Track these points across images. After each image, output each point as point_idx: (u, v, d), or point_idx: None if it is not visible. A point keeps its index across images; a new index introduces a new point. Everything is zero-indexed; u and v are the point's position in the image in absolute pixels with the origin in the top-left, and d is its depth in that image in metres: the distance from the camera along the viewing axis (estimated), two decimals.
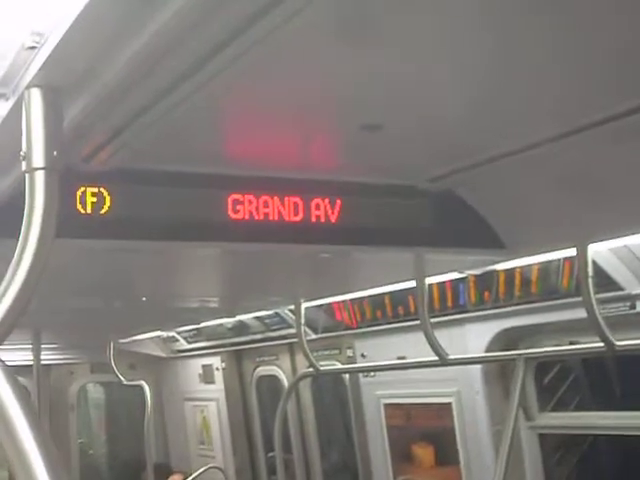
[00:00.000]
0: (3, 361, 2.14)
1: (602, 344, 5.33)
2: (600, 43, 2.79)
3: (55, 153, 2.73)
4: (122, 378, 12.46)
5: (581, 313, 5.30)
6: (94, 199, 3.94)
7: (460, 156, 4.22)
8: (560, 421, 7.31)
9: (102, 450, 14.87)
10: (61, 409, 13.68)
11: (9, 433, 1.90)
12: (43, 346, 10.90)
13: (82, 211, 3.91)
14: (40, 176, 2.69)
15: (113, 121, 3.13)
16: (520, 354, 6.39)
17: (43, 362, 11.16)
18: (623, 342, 5.34)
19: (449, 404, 7.92)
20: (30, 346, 10.64)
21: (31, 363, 10.85)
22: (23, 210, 2.68)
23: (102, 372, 13.39)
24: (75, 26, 2.28)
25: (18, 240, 2.63)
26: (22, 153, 2.74)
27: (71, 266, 5.11)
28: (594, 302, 5.13)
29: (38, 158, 2.71)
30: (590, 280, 5.06)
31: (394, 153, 4.09)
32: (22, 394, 2.01)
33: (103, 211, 3.96)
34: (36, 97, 2.73)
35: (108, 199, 3.97)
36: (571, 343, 6.49)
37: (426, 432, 8.64)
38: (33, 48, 2.52)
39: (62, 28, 2.33)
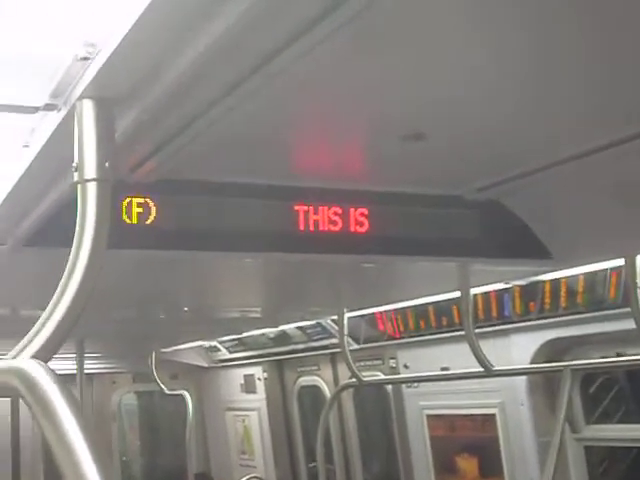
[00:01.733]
0: (55, 372, 2.14)
1: None
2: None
3: (107, 164, 2.74)
4: (164, 388, 12.50)
5: (628, 324, 5.24)
6: (140, 209, 3.94)
7: (506, 166, 4.18)
8: (607, 433, 7.23)
9: (141, 459, 14.88)
10: (104, 418, 13.75)
11: (63, 444, 1.90)
12: (86, 355, 10.97)
13: (128, 221, 3.92)
14: (92, 187, 2.70)
15: (161, 132, 3.12)
16: (567, 365, 6.33)
17: (86, 371, 11.23)
18: None
19: (493, 415, 7.86)
20: (74, 355, 10.71)
21: (74, 372, 10.93)
22: (73, 220, 2.68)
23: (144, 382, 13.43)
24: (128, 38, 2.28)
25: (68, 249, 2.64)
26: (74, 164, 2.74)
27: (116, 276, 5.13)
28: None
29: (90, 169, 2.71)
30: (638, 291, 5.01)
31: (439, 163, 4.06)
32: (76, 405, 2.01)
33: (149, 221, 3.96)
34: (88, 108, 2.73)
35: (154, 209, 3.97)
36: (618, 354, 6.42)
37: (470, 443, 8.57)
38: (86, 59, 2.52)
39: (115, 40, 2.33)
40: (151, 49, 2.39)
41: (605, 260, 5.52)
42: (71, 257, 2.61)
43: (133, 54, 2.41)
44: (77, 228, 2.65)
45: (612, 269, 5.89)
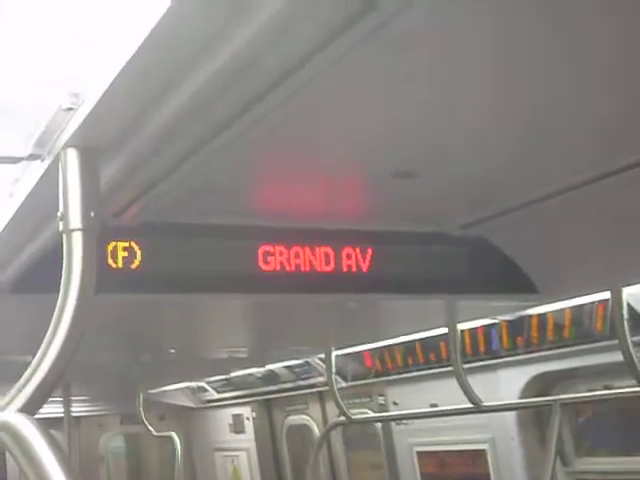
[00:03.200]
0: (43, 426, 2.12)
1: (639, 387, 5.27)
2: (632, 86, 2.78)
3: (92, 214, 2.74)
4: (152, 429, 12.43)
5: (615, 357, 5.24)
6: (125, 254, 3.93)
7: (492, 202, 4.19)
8: (598, 466, 7.21)
9: None
10: (91, 461, 13.65)
11: None
12: (73, 398, 10.92)
13: (113, 266, 3.90)
14: (78, 237, 2.70)
15: (145, 178, 3.12)
16: (556, 399, 6.33)
17: (73, 414, 11.18)
18: None
19: (484, 451, 7.84)
20: (60, 399, 10.65)
21: (62, 415, 10.87)
22: (60, 266, 2.68)
23: (132, 423, 13.35)
24: (112, 88, 2.29)
25: (55, 295, 2.63)
26: (59, 214, 2.74)
27: (101, 320, 5.11)
28: (630, 345, 5.08)
29: (75, 219, 2.71)
30: (625, 322, 5.02)
31: (425, 201, 4.07)
32: (64, 459, 1.99)
33: (134, 265, 3.95)
34: (72, 158, 2.73)
35: (139, 253, 3.96)
36: (605, 387, 6.43)
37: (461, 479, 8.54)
38: (70, 109, 2.52)
39: (99, 90, 2.33)
40: (134, 99, 2.40)
41: (591, 293, 5.54)
42: (58, 306, 2.61)
43: (117, 104, 2.41)
44: (63, 277, 2.65)
45: (598, 302, 5.90)
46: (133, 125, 2.57)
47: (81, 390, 11.23)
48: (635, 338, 5.22)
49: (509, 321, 6.71)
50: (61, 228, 2.73)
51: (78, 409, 12.09)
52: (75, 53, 2.29)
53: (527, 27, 2.31)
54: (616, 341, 5.20)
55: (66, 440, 11.14)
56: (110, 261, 3.90)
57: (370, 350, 8.41)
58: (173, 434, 12.47)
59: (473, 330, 7.01)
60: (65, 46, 2.26)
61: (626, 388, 5.73)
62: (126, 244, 3.93)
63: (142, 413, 12.12)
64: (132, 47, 2.10)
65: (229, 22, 2.06)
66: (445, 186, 3.85)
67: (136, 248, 3.95)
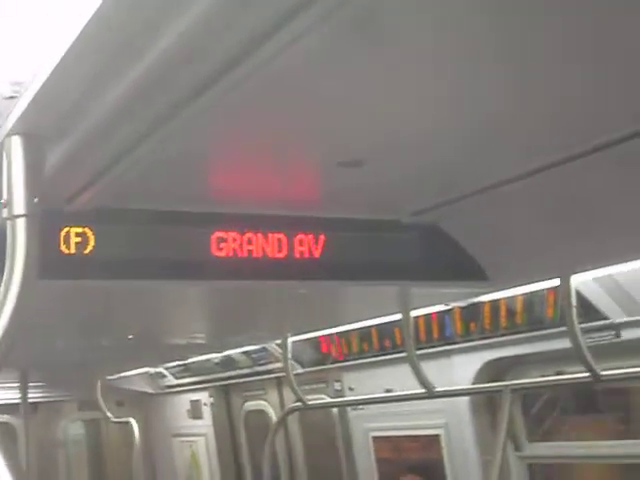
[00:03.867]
0: None
1: (588, 374, 5.34)
2: (572, 79, 2.83)
3: (36, 200, 2.76)
4: (110, 415, 12.41)
5: (567, 343, 5.31)
6: (78, 239, 3.94)
7: (443, 190, 4.25)
8: (550, 451, 7.30)
9: None
10: (49, 447, 13.60)
11: None
12: (30, 384, 10.88)
13: (66, 251, 3.91)
14: (21, 223, 2.72)
15: (95, 163, 3.14)
16: (506, 385, 6.42)
17: (30, 400, 11.13)
18: (608, 371, 5.37)
19: (437, 436, 7.91)
20: (17, 384, 10.61)
21: (18, 401, 10.83)
22: (4, 252, 2.70)
23: (90, 409, 13.31)
24: (54, 75, 2.30)
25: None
26: (3, 201, 2.76)
27: (57, 306, 5.12)
28: (578, 332, 5.15)
29: (19, 206, 2.74)
30: (574, 310, 5.09)
31: (376, 188, 4.11)
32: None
33: (87, 251, 3.96)
34: (16, 145, 2.75)
35: (92, 239, 3.97)
36: (557, 373, 6.50)
37: (415, 464, 8.61)
38: (12, 98, 2.54)
39: (41, 77, 2.35)
40: (77, 86, 2.42)
41: (540, 281, 5.60)
42: (1, 292, 2.63)
43: (59, 91, 2.43)
44: (7, 263, 2.67)
45: (549, 289, 5.97)
46: (76, 112, 2.59)
47: (39, 376, 11.18)
48: (584, 325, 5.30)
49: (462, 308, 6.78)
50: (5, 215, 2.76)
51: (35, 395, 12.03)
52: (16, 42, 2.30)
53: (478, 13, 2.34)
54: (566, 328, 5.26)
55: (23, 426, 11.11)
56: (63, 247, 3.91)
57: (326, 336, 8.46)
58: (131, 420, 12.45)
59: (427, 317, 7.07)
60: (5, 35, 2.27)
61: (576, 374, 5.80)
62: (79, 230, 3.94)
63: (100, 399, 12.09)
64: (73, 34, 2.11)
65: (174, 4, 2.08)
66: (396, 174, 3.89)
67: (89, 234, 3.96)
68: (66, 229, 3.91)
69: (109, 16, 2.05)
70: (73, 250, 3.92)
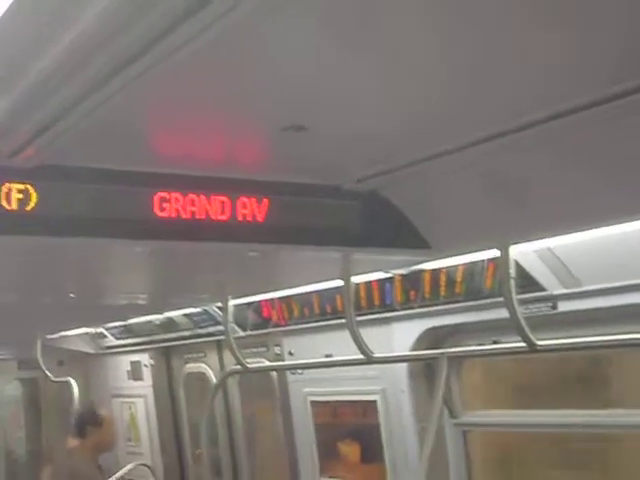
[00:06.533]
0: None
1: (524, 344, 5.43)
2: (523, 43, 2.85)
3: None
4: (50, 375, 12.37)
5: (504, 313, 5.38)
6: (20, 195, 3.93)
7: (385, 157, 4.28)
8: (486, 419, 7.40)
9: (26, 445, 14.68)
10: None
11: None
12: None
13: (7, 207, 3.90)
14: None
15: (38, 118, 3.14)
16: (443, 353, 6.50)
17: None
18: (544, 342, 5.45)
19: (374, 402, 7.99)
20: None
21: None
22: None
23: (29, 369, 13.26)
24: None
25: None
26: None
27: None
28: (515, 302, 5.22)
29: None
30: (512, 281, 5.14)
31: (319, 154, 4.14)
32: None
33: (29, 207, 3.95)
34: None
35: (34, 196, 3.96)
36: (494, 342, 6.59)
37: (352, 430, 8.69)
38: None
39: None
40: (17, 45, 2.42)
41: (480, 250, 5.66)
42: None
43: (2, 41, 2.42)
44: None
45: (489, 260, 6.04)
46: (18, 70, 2.59)
47: None
48: (521, 296, 5.37)
49: (404, 276, 6.83)
50: None
51: None
52: None
53: None
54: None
55: None
56: (4, 203, 3.90)
57: (268, 300, 8.49)
58: (71, 380, 12.42)
59: (368, 284, 7.12)
60: None
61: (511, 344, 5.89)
62: (21, 186, 3.93)
63: (40, 358, 12.05)
64: None
65: None
66: (340, 140, 3.91)
67: (31, 190, 3.95)
68: (7, 185, 3.89)
69: None
70: (15, 206, 3.92)
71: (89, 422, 9.87)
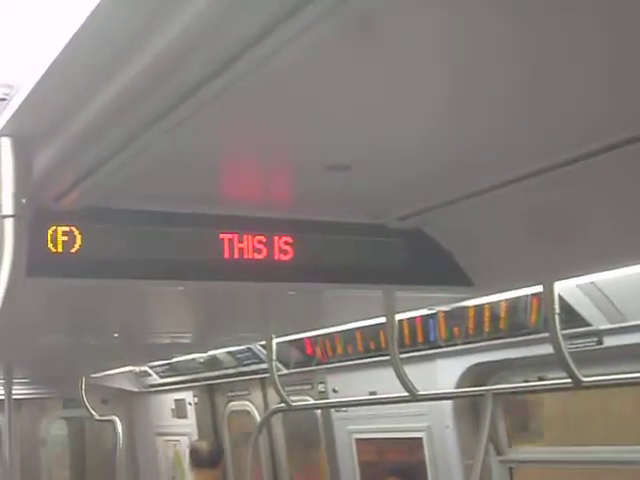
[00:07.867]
0: None
1: (569, 380, 5.38)
2: (567, 79, 2.85)
3: (24, 200, 2.80)
4: (94, 413, 12.41)
5: (549, 348, 5.34)
6: (65, 238, 3.96)
7: (428, 195, 4.28)
8: (532, 455, 7.34)
9: None
10: (32, 444, 13.59)
11: None
12: (15, 381, 10.87)
13: (53, 250, 3.94)
14: (9, 223, 2.77)
15: (83, 163, 3.17)
16: (488, 389, 6.45)
17: (15, 397, 11.13)
18: (590, 377, 5.41)
19: (420, 439, 7.94)
20: (2, 381, 10.61)
21: (2, 398, 10.83)
22: None
23: (74, 407, 13.31)
24: (44, 78, 2.33)
25: None
26: None
27: (43, 304, 5.14)
28: (560, 338, 5.18)
29: (7, 206, 2.78)
30: (557, 317, 5.12)
31: (362, 192, 4.15)
32: None
33: (74, 250, 3.98)
34: (6, 146, 2.79)
35: (79, 238, 3.99)
36: (540, 378, 6.54)
37: (397, 467, 8.62)
38: (3, 100, 2.58)
39: (31, 80, 2.38)
40: (66, 89, 2.44)
41: (524, 287, 5.64)
42: None
43: (49, 93, 2.46)
44: None
45: (533, 295, 6.00)
46: (66, 114, 2.62)
47: (24, 372, 11.19)
48: (566, 331, 5.33)
49: (447, 312, 6.81)
50: None
51: (20, 392, 12.03)
52: (7, 45, 2.33)
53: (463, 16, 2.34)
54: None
55: (7, 423, 11.10)
56: (50, 245, 3.93)
57: (311, 338, 8.48)
58: (115, 418, 12.47)
59: (412, 320, 7.10)
60: None
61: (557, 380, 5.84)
62: (66, 228, 3.97)
63: (84, 397, 12.10)
64: (64, 38, 2.14)
65: (165, 8, 2.09)
66: (383, 178, 3.93)
67: (76, 232, 3.98)
68: (53, 228, 3.93)
69: (101, 20, 2.07)
70: (60, 249, 3.95)
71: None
